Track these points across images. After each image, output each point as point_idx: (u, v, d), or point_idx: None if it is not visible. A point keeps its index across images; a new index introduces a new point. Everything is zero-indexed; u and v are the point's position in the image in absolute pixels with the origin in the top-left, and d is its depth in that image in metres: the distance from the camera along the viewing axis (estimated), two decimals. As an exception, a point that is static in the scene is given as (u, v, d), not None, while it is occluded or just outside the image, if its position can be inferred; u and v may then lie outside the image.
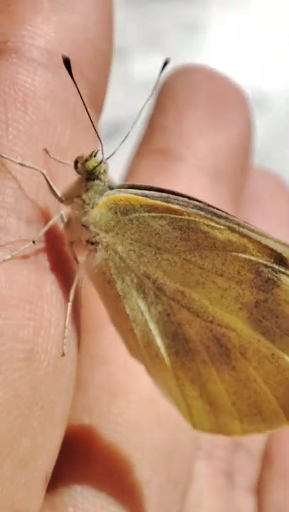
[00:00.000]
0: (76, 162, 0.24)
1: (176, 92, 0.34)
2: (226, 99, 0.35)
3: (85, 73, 0.24)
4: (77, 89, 0.23)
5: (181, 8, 0.71)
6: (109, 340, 0.29)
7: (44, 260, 0.23)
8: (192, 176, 0.32)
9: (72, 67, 0.22)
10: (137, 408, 0.28)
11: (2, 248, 0.22)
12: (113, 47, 0.26)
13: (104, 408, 0.28)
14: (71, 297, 0.23)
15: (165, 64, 0.25)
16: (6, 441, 0.21)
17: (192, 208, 0.24)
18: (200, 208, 0.24)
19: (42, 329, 0.22)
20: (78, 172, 0.24)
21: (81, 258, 0.24)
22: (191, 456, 0.30)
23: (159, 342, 0.25)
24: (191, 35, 0.69)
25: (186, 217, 0.24)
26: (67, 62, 0.22)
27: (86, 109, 0.23)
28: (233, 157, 0.34)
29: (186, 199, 0.24)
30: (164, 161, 0.33)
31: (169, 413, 0.27)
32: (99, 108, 0.26)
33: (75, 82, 0.23)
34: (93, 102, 0.25)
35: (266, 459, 0.35)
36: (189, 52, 0.22)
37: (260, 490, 0.34)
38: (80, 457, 0.27)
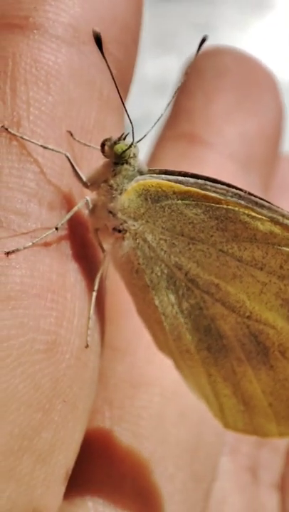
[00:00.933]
0: (103, 145, 0.23)
1: (204, 74, 0.33)
2: (257, 83, 0.33)
3: (112, 51, 0.23)
4: (108, 67, 0.22)
5: (193, 9, 0.71)
6: (132, 331, 0.28)
7: (67, 248, 0.22)
8: (220, 163, 0.31)
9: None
10: (160, 401, 0.27)
11: (23, 235, 0.21)
12: (141, 24, 0.25)
13: (127, 401, 0.27)
14: (96, 286, 0.22)
15: (203, 41, 0.23)
16: (25, 435, 0.20)
17: (231, 196, 0.22)
18: (240, 197, 0.22)
19: (65, 320, 0.21)
20: (105, 155, 0.23)
21: (106, 246, 0.23)
22: (217, 452, 0.29)
23: (189, 336, 0.24)
24: (203, 35, 0.69)
25: (224, 206, 0.22)
26: (97, 38, 0.21)
27: (117, 89, 0.22)
28: (264, 144, 0.33)
29: (224, 186, 0.23)
30: (190, 146, 0.32)
31: (194, 407, 0.27)
32: (126, 89, 0.25)
33: (105, 60, 0.22)
34: (120, 83, 0.24)
35: None
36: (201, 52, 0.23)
37: (284, 486, 0.33)
38: (101, 451, 0.26)
